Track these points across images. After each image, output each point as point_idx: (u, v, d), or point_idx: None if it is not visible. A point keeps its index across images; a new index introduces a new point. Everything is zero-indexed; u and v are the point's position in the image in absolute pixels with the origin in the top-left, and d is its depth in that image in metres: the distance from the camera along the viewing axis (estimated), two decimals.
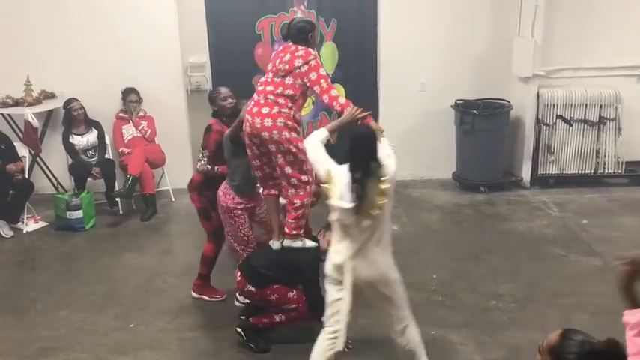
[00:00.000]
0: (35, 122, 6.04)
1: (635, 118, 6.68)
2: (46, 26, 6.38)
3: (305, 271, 3.76)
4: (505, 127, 6.65)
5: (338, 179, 3.06)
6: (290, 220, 3.81)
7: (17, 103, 6.19)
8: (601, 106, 6.58)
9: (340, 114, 3.61)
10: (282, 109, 3.63)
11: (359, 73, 6.84)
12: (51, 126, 6.56)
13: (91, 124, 6.30)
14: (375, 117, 6.93)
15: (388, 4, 6.64)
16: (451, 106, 6.71)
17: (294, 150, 3.65)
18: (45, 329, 4.16)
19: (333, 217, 3.13)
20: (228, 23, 6.57)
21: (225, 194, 4.05)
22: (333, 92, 3.68)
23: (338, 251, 3.14)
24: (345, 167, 3.05)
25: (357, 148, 3.06)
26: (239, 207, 4.03)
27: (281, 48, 3.90)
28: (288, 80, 3.69)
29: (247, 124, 3.69)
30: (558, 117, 6.63)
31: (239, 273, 3.87)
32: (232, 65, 6.69)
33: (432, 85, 6.83)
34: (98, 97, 6.35)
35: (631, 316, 2.08)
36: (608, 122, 6.62)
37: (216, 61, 6.68)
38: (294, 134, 3.66)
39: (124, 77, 6.39)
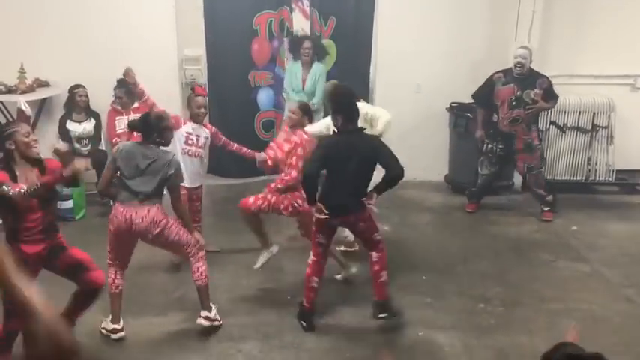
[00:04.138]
0: (28, 110, 5.99)
1: (628, 126, 6.72)
2: (42, 14, 6.33)
3: None
4: None
5: None
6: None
7: (10, 90, 6.15)
8: (594, 113, 6.62)
9: None
10: None
11: (355, 72, 6.85)
12: (44, 114, 6.51)
13: (91, 113, 6.29)
14: None
15: (386, 5, 6.64)
16: (446, 108, 6.73)
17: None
18: None
19: None
20: (226, 17, 6.56)
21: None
22: None
23: None
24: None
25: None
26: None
27: None
28: None
29: None
30: (551, 123, 6.67)
31: None
32: (228, 59, 6.68)
33: (427, 87, 6.84)
34: (92, 88, 6.31)
35: None
36: (601, 130, 6.67)
37: (212, 55, 6.66)
38: None
39: (119, 68, 6.31)
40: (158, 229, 3.82)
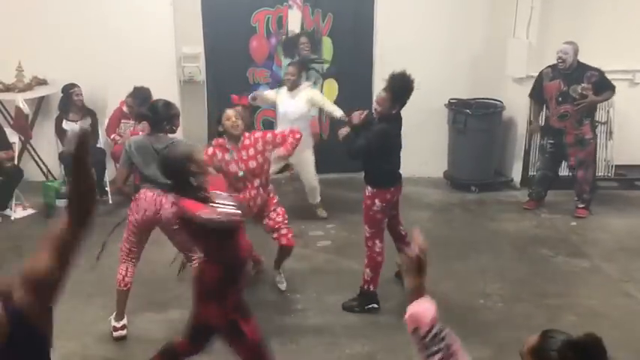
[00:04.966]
0: (26, 108, 6.00)
1: (627, 121, 6.71)
2: (39, 12, 6.31)
3: None
4: (497, 127, 6.67)
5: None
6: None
7: (8, 88, 6.14)
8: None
9: None
10: None
11: (353, 69, 6.85)
12: (41, 113, 6.50)
13: (87, 112, 6.27)
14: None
15: (385, 2, 6.63)
16: (444, 104, 6.72)
17: None
18: None
19: None
20: (224, 15, 6.55)
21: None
22: None
23: None
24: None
25: None
26: None
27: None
28: None
29: None
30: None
31: None
32: (227, 57, 6.67)
33: (426, 84, 6.76)
34: (90, 85, 6.30)
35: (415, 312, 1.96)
36: (600, 125, 6.63)
37: (210, 53, 6.65)
38: None
39: (117, 66, 6.34)
40: None
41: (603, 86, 5.78)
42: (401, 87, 4.09)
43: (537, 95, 6.06)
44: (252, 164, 4.19)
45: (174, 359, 3.20)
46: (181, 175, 2.93)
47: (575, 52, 5.73)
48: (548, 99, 5.92)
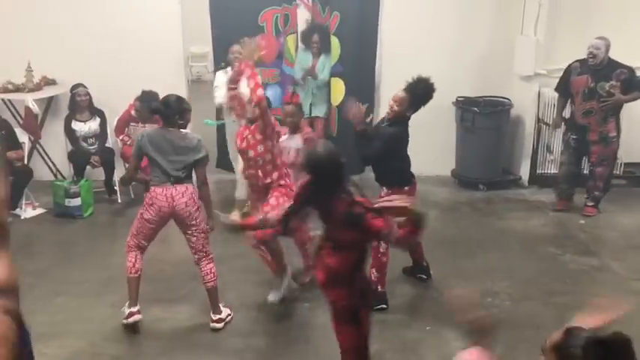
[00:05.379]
0: (35, 108, 6.04)
1: (635, 119, 6.66)
2: (48, 12, 6.35)
3: None
4: (505, 125, 6.66)
5: None
6: None
7: (18, 88, 6.18)
8: None
9: None
10: None
11: (360, 68, 6.83)
12: (51, 112, 6.54)
13: (95, 112, 6.29)
14: (375, 112, 6.95)
15: (392, 0, 6.63)
16: (452, 103, 6.71)
17: None
18: (41, 315, 4.16)
19: None
20: (231, 14, 6.55)
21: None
22: None
23: None
24: None
25: None
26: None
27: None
28: None
29: None
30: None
31: None
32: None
33: (433, 81, 6.79)
34: (99, 85, 6.33)
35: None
36: None
37: (218, 52, 6.66)
38: None
39: (125, 66, 6.36)
40: (195, 207, 3.89)
41: (632, 85, 5.66)
42: (425, 92, 4.17)
43: (563, 89, 5.99)
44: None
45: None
46: (340, 174, 2.92)
47: (607, 47, 5.60)
48: (574, 94, 5.84)
